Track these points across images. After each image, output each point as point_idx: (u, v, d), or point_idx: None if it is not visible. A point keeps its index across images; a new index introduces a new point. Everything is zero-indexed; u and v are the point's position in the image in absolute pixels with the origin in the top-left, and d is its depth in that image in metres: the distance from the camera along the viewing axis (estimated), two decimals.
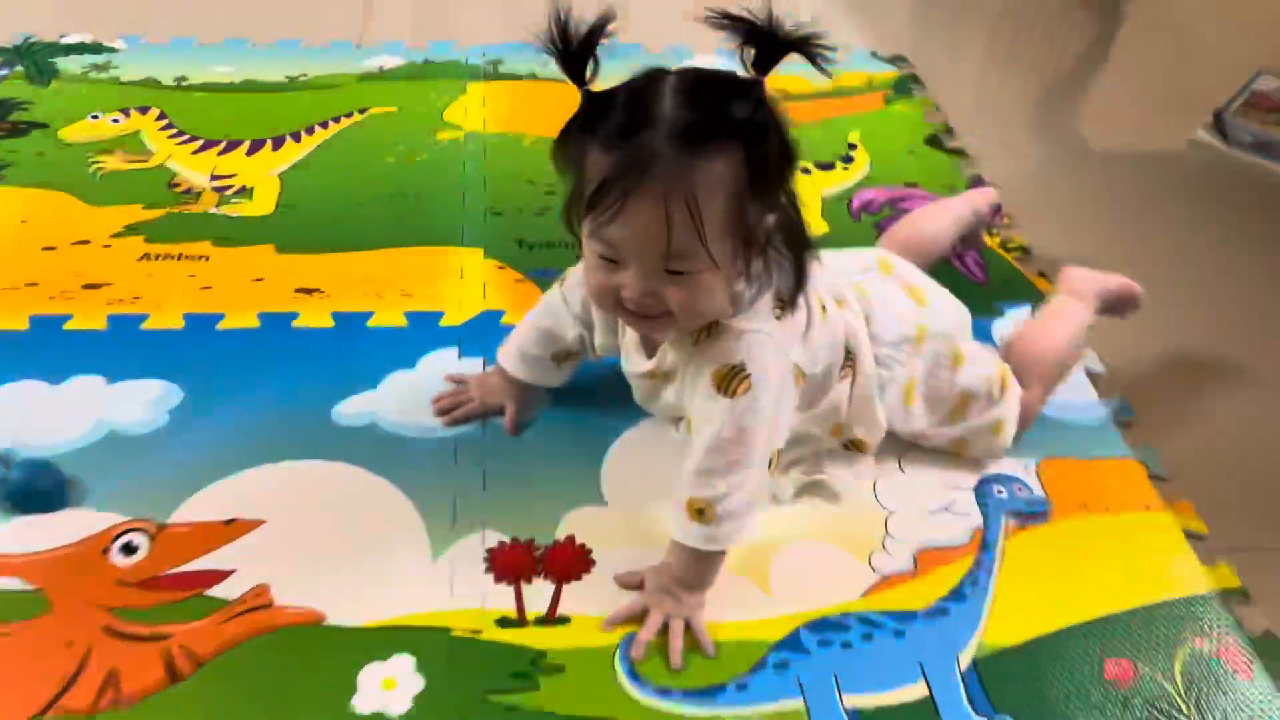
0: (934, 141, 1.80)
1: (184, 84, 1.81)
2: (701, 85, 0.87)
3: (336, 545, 1.04)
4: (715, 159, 0.85)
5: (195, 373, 1.22)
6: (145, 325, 1.29)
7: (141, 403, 1.18)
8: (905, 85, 1.97)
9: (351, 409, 1.19)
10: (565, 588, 1.02)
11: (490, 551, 1.04)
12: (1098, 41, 2.33)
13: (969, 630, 1.00)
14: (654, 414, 1.16)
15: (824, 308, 1.06)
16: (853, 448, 1.15)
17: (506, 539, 1.05)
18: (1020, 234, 1.56)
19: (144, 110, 1.72)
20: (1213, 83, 1.99)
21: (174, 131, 1.67)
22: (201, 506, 1.07)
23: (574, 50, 0.85)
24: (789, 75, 0.84)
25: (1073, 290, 1.28)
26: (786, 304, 1.00)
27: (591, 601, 1.00)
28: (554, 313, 1.16)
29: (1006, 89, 2.11)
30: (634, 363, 1.08)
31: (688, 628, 0.98)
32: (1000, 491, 1.14)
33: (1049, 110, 2.05)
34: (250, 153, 1.63)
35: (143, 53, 1.91)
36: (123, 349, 1.25)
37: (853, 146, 1.76)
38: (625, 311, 0.94)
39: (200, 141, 1.65)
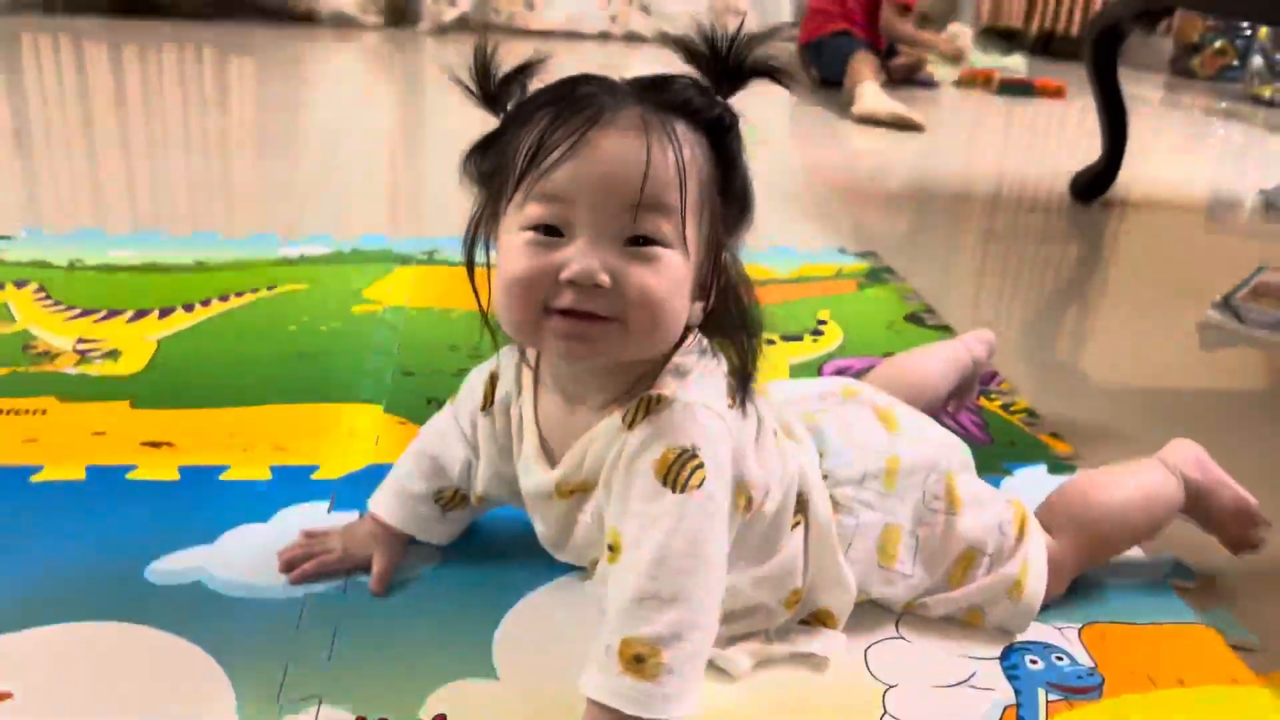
0: (916, 319, 1.60)
1: (77, 265, 1.62)
2: (660, 77, 0.72)
3: None
4: (684, 129, 0.70)
5: None
6: None
7: None
8: (878, 274, 1.79)
9: (171, 565, 0.90)
10: None
11: None
12: (1080, 244, 2.22)
13: None
14: (569, 560, 0.88)
15: (775, 432, 0.82)
16: (815, 622, 0.86)
17: (350, 718, 0.75)
18: (1024, 399, 1.33)
19: (21, 284, 1.51)
20: (1196, 280, 1.90)
21: (50, 302, 1.46)
22: None
23: (495, 87, 0.73)
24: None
25: (1167, 460, 0.98)
26: (738, 394, 0.77)
27: None
28: (442, 435, 0.91)
29: (990, 275, 1.95)
30: (535, 475, 0.81)
31: None
32: (1034, 662, 0.85)
33: (1039, 299, 1.89)
34: (132, 320, 1.41)
35: (41, 240, 1.73)
36: None
37: (822, 323, 1.55)
38: (558, 317, 0.70)
39: (77, 310, 1.43)
